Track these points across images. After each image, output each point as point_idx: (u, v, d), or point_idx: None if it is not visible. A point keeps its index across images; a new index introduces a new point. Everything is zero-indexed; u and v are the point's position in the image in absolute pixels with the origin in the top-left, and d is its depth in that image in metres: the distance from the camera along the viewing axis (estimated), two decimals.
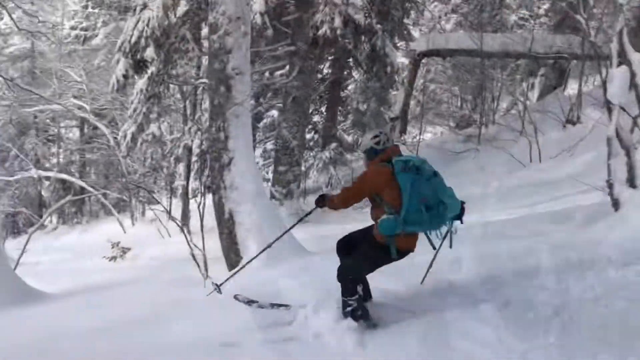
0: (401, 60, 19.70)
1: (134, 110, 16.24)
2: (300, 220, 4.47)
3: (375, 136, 3.72)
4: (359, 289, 3.61)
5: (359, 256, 3.68)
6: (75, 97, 24.91)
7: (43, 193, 28.77)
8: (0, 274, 8.28)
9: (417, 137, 17.36)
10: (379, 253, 3.56)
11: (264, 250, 4.76)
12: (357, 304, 3.58)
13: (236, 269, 4.77)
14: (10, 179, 23.78)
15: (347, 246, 3.90)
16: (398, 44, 20.42)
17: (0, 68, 22.92)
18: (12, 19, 19.33)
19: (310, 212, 4.19)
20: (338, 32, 13.07)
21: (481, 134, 15.73)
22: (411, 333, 3.53)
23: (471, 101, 21.16)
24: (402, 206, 3.39)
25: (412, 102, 21.12)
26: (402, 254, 3.59)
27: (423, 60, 19.42)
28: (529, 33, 16.30)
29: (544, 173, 11.18)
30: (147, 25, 12.71)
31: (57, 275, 11.67)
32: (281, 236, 4.75)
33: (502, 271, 4.36)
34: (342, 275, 3.60)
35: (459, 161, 14.76)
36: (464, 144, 15.79)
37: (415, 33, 22.37)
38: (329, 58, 18.78)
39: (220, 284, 4.59)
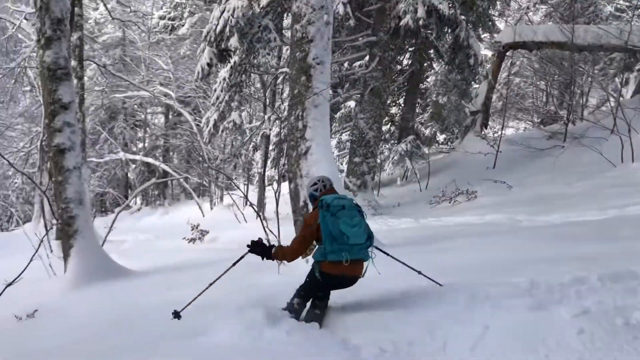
0: (484, 52, 19.12)
1: (217, 98, 16.70)
2: (229, 269, 4.63)
3: (314, 184, 4.41)
4: (295, 301, 4.28)
5: (304, 281, 4.34)
6: (161, 84, 26.01)
7: (129, 175, 30.27)
8: (91, 250, 8.78)
9: (499, 132, 16.79)
10: (312, 278, 4.22)
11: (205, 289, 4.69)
12: (292, 302, 4.27)
13: (198, 294, 4.73)
14: (100, 160, 25.16)
15: None
16: (482, 36, 19.84)
17: (94, 55, 24.20)
18: (106, 8, 20.45)
19: (242, 257, 4.51)
20: (421, 22, 12.80)
21: (567, 131, 14.98)
22: (477, 337, 3.43)
23: (558, 96, 20.21)
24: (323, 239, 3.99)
25: (495, 96, 20.46)
26: (333, 279, 4.10)
27: (508, 53, 18.74)
28: (626, 24, 15.29)
29: (639, 174, 10.52)
30: (232, 14, 13.00)
31: (140, 254, 12.25)
32: (203, 291, 4.67)
33: (587, 273, 4.12)
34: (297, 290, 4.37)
35: (542, 158, 14.15)
36: (549, 140, 15.11)
37: (501, 24, 21.63)
38: (410, 49, 18.51)
39: (180, 310, 4.62)
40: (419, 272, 4.51)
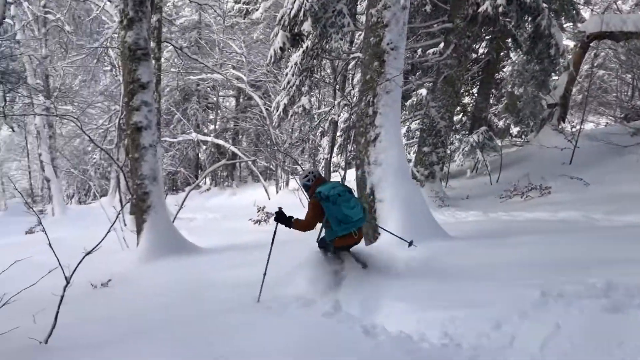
0: (566, 42, 18.24)
1: (287, 82, 16.80)
2: (271, 248, 5.51)
3: (306, 176, 5.47)
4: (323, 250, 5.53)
5: (321, 247, 5.58)
6: (234, 68, 26.48)
7: (200, 156, 31.14)
8: (163, 226, 9.12)
9: (577, 127, 16.03)
10: (325, 246, 5.46)
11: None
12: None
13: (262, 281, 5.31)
14: (174, 140, 25.99)
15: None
16: (565, 25, 18.94)
17: (171, 37, 24.90)
18: None
19: (275, 232, 5.59)
20: (500, 9, 12.34)
21: None
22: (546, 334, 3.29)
23: None
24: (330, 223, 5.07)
25: (575, 89, 19.52)
26: (342, 248, 5.39)
27: (592, 44, 17.80)
28: None
29: None
30: None
31: (208, 232, 12.61)
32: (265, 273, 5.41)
33: None
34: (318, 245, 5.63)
35: (624, 156, 13.40)
36: (633, 137, 14.27)
37: (586, 13, 20.56)
38: (486, 37, 17.93)
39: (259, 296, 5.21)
40: (407, 241, 5.72)
